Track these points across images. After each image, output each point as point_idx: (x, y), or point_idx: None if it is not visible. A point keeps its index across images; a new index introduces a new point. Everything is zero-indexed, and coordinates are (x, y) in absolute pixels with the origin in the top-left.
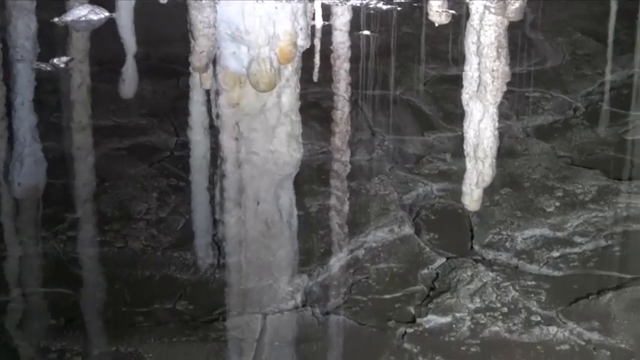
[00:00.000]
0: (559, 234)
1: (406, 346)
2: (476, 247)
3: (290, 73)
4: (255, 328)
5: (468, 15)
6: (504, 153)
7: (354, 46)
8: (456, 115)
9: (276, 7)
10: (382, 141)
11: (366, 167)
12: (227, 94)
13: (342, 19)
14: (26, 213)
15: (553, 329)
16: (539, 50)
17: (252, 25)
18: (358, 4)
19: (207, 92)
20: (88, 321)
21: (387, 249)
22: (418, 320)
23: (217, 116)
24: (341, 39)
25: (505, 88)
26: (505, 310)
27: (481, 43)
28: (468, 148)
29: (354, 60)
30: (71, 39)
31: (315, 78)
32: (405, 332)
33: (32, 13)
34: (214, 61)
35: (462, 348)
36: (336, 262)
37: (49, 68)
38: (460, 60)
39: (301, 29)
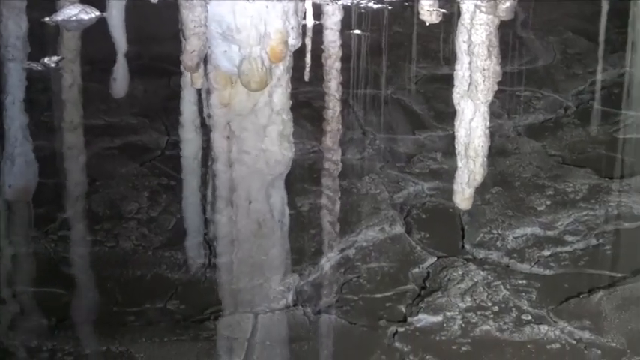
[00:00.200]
0: (550, 233)
1: (397, 345)
2: (467, 246)
3: (281, 72)
4: (247, 328)
5: (459, 14)
6: (495, 152)
7: (346, 46)
8: (446, 114)
9: (267, 7)
10: (373, 140)
11: (357, 166)
12: (218, 93)
13: (333, 19)
14: (17, 213)
15: (544, 328)
16: (530, 49)
17: (244, 24)
18: (349, 4)
19: (199, 91)
20: (79, 320)
21: (378, 248)
22: (409, 319)
23: (208, 115)
24: (332, 38)
25: (496, 87)
26: (496, 308)
27: (472, 42)
28: (459, 147)
29: (345, 59)
30: (62, 38)
31: (307, 77)
32: (396, 331)
33: (23, 13)
34: (205, 61)
35: (453, 347)
36: (327, 261)
37: (39, 68)
38: (451, 59)
39: (292, 28)
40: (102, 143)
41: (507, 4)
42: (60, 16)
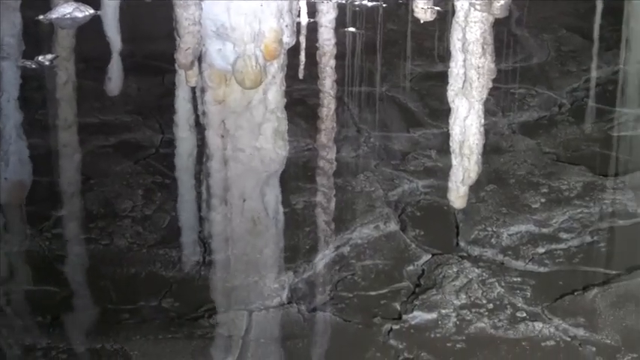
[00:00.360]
0: (544, 230)
1: (392, 342)
2: (461, 244)
3: (276, 70)
4: (241, 325)
5: (453, 12)
6: (490, 149)
7: (340, 43)
8: (441, 112)
9: (261, 5)
10: (368, 138)
11: (352, 164)
12: (213, 91)
13: (327, 17)
14: (11, 211)
15: (538, 325)
16: (525, 47)
17: (238, 22)
18: (344, 1)
19: (193, 89)
20: (73, 318)
21: (373, 246)
22: (404, 317)
23: (203, 113)
24: (327, 36)
25: (491, 85)
26: (491, 306)
27: (466, 39)
28: (454, 145)
29: (339, 57)
30: (56, 36)
31: (301, 75)
32: (391, 329)
33: (17, 11)
34: (200, 59)
35: (448, 344)
36: (322, 259)
37: (33, 66)
38: (446, 57)
39: (287, 26)
40: (96, 141)
41: (502, 1)
42: (54, 15)
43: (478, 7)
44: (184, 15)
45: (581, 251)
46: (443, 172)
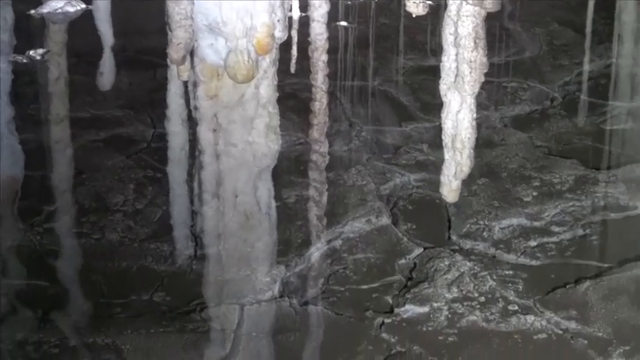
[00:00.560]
0: (536, 223)
1: (384, 335)
2: (453, 237)
3: (268, 64)
4: (233, 319)
5: (445, 6)
6: (482, 143)
7: (332, 38)
8: (433, 106)
9: None
10: (360, 132)
11: (344, 158)
12: (205, 85)
13: (319, 11)
14: (3, 205)
15: (530, 318)
16: (517, 41)
17: (230, 16)
18: None
19: (185, 84)
20: (65, 313)
21: (365, 239)
22: (396, 310)
23: (195, 108)
24: (319, 30)
25: (483, 79)
26: (482, 299)
27: (458, 34)
28: (446, 139)
29: (332, 51)
30: (48, 31)
31: (293, 69)
32: (383, 322)
33: (8, 5)
34: (192, 53)
35: (440, 337)
36: (314, 252)
37: (25, 60)
38: (438, 51)
39: (279, 21)
40: (88, 136)
41: None
42: (46, 9)
43: (470, 1)
44: (176, 9)
45: (573, 244)
46: (435, 166)
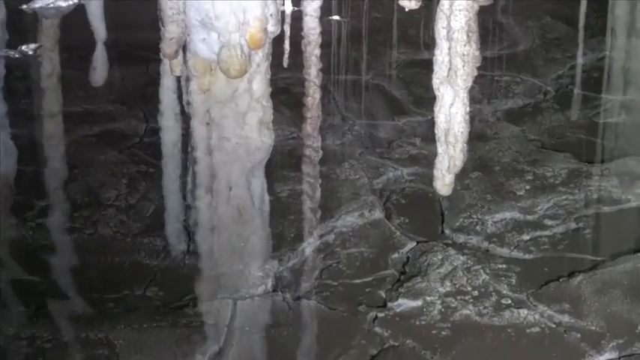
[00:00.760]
0: (529, 217)
1: (377, 330)
2: (446, 231)
3: (260, 59)
4: (226, 314)
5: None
6: (475, 137)
7: (325, 32)
8: (426, 100)
9: None
10: (352, 126)
11: (337, 152)
12: (198, 80)
13: (312, 5)
14: None
15: (523, 312)
16: (510, 34)
17: (222, 11)
18: None
19: (178, 79)
20: (58, 308)
21: (358, 233)
22: (389, 304)
23: (188, 103)
24: (311, 25)
25: (476, 73)
26: (476, 293)
27: (451, 27)
28: (439, 133)
29: (324, 46)
30: (40, 26)
31: (285, 64)
32: (376, 316)
33: (0, 1)
34: (184, 48)
35: (433, 331)
36: (307, 247)
37: (17, 55)
38: (431, 45)
39: (271, 15)
40: (80, 131)
41: None
42: (38, 4)
43: None
44: (169, 4)
45: (566, 238)
46: (427, 160)
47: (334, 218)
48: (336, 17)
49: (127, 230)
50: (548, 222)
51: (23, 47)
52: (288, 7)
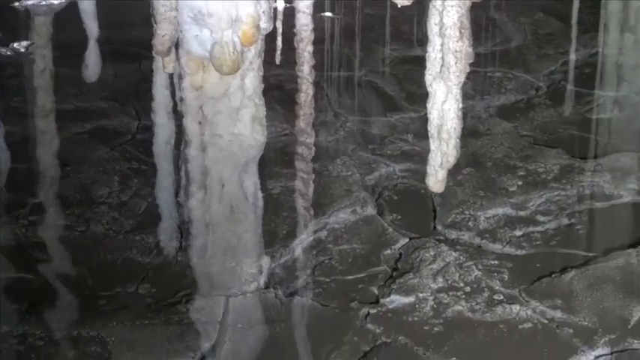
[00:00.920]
0: (522, 213)
1: (369, 326)
2: (439, 227)
3: (253, 56)
4: (218, 311)
5: None
6: (467, 133)
7: (318, 29)
8: (418, 96)
9: None
10: (345, 122)
11: (329, 149)
12: (190, 77)
13: (305, 2)
14: None
15: (516, 308)
16: (502, 30)
17: (215, 8)
18: None
19: (171, 76)
20: (50, 305)
21: (350, 230)
22: (381, 301)
23: (181, 100)
24: (304, 21)
25: (468, 69)
26: (468, 289)
27: (444, 24)
28: (432, 129)
29: (317, 42)
30: (32, 23)
31: (278, 61)
32: (369, 313)
33: None
34: (177, 45)
35: (426, 328)
36: (299, 243)
37: (9, 53)
38: (423, 41)
39: (264, 12)
40: (73, 128)
41: None
42: (30, 1)
43: None
44: (161, 1)
45: (558, 234)
46: (420, 156)
47: (327, 215)
48: (328, 14)
49: (119, 227)
50: (541, 218)
51: (15, 45)
52: (281, 4)
